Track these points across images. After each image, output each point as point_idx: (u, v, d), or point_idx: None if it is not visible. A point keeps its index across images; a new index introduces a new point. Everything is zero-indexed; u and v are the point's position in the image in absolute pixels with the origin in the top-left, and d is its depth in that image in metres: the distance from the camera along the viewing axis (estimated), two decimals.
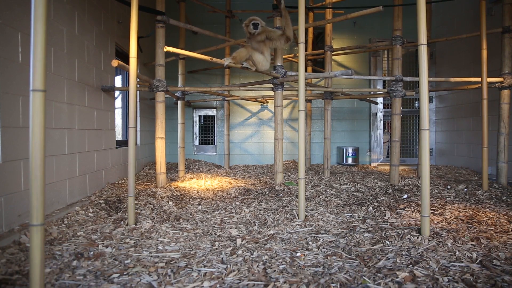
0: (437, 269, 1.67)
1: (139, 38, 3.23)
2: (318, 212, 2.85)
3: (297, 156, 6.51)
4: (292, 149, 6.61)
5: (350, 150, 6.22)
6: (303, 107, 2.65)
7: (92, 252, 1.95)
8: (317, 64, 6.33)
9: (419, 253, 1.87)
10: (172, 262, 1.82)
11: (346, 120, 6.65)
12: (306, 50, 5.05)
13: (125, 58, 4.60)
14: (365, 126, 6.65)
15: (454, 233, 2.20)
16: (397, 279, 1.56)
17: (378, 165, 6.48)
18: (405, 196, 3.32)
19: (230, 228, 2.46)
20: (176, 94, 4.81)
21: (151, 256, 1.91)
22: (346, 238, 2.17)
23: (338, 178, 4.44)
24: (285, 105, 6.49)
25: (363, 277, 1.61)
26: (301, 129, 2.68)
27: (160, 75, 3.78)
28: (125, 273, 1.68)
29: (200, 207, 3.09)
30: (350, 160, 6.23)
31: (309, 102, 5.93)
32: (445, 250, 1.92)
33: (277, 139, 3.93)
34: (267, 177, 4.66)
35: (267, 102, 6.39)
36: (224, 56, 5.69)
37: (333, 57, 5.46)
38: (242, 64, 3.39)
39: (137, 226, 2.47)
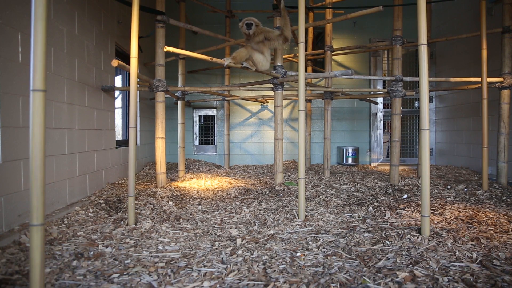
0: (437, 269, 1.67)
1: (139, 38, 3.23)
2: (318, 212, 2.85)
3: (297, 156, 6.50)
4: (292, 149, 6.61)
5: (350, 150, 6.22)
6: (303, 107, 2.65)
7: (92, 252, 1.95)
8: (317, 64, 6.33)
9: (419, 253, 1.87)
10: (172, 262, 1.82)
11: (346, 120, 6.65)
12: (306, 50, 5.05)
13: (125, 58, 4.61)
14: (365, 126, 6.65)
15: (454, 233, 2.20)
16: (397, 279, 1.56)
17: (378, 165, 6.48)
18: (405, 196, 3.32)
19: (230, 228, 2.46)
20: (176, 94, 4.81)
21: (151, 256, 1.91)
22: (346, 238, 2.17)
23: (338, 178, 4.44)
24: (285, 105, 6.49)
25: (363, 277, 1.61)
26: (301, 129, 2.68)
27: (160, 75, 3.78)
28: (125, 273, 1.68)
29: (200, 207, 3.09)
30: (350, 160, 6.23)
31: (309, 102, 5.93)
32: (445, 250, 1.92)
33: (277, 139, 3.94)
34: (267, 177, 4.66)
35: (267, 102, 6.39)
36: (224, 56, 5.69)
37: (333, 57, 5.46)
38: (242, 64, 3.39)
39: (137, 226, 2.47)
